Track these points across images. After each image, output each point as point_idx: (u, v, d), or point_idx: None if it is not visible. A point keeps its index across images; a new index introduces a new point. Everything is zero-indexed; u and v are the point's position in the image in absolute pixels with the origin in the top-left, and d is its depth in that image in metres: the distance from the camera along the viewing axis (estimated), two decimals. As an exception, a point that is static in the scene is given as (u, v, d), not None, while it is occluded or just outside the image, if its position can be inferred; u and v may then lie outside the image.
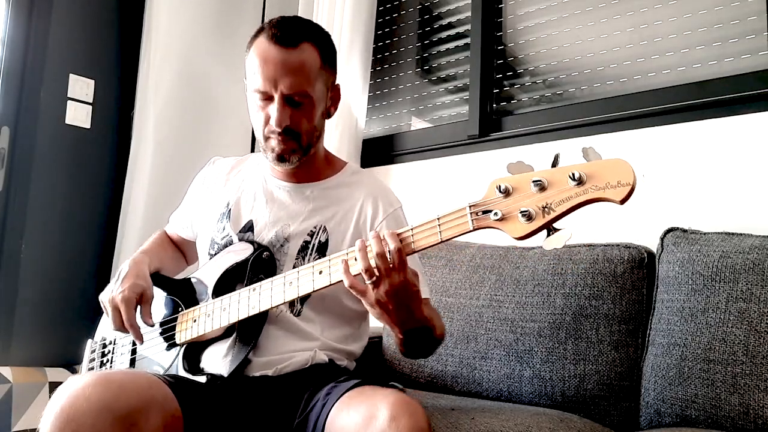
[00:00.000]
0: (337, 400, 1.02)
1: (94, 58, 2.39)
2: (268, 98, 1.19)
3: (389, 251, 0.98)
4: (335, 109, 1.30)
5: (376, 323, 1.36)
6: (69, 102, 2.31)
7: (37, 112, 2.24)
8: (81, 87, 2.34)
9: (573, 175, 0.85)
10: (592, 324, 1.43)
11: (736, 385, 1.21)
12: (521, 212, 0.88)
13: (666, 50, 1.81)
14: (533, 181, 0.88)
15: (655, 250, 1.46)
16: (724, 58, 1.71)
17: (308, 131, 1.22)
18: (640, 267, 1.44)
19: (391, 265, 0.98)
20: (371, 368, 1.65)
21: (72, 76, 2.32)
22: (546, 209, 0.87)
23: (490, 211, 0.92)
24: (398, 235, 0.99)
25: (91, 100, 2.36)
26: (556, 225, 0.88)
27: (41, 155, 2.24)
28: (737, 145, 1.58)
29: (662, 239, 1.45)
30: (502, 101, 2.16)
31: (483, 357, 1.54)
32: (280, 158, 1.23)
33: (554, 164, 0.89)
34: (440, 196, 2.13)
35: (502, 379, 1.50)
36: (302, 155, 1.24)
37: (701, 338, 1.28)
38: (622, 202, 0.83)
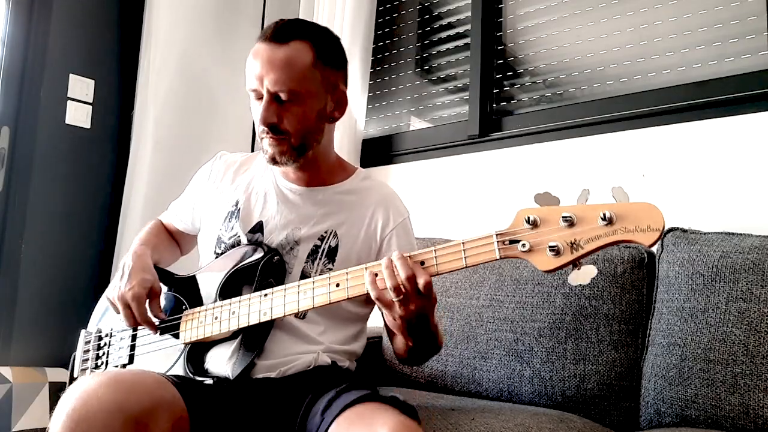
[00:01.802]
0: (335, 418, 1.01)
1: (94, 58, 2.39)
2: (259, 97, 1.19)
3: (418, 283, 0.98)
4: (340, 114, 1.26)
5: (376, 323, 1.36)
6: (69, 102, 2.30)
7: (37, 112, 2.23)
8: (81, 87, 2.34)
9: (604, 215, 0.86)
10: (592, 324, 1.43)
11: (736, 385, 1.21)
12: (550, 247, 0.89)
13: (666, 50, 1.81)
14: (563, 217, 0.89)
15: (655, 250, 1.46)
16: (724, 58, 1.71)
17: (298, 131, 1.19)
18: (640, 267, 1.44)
19: (417, 290, 0.98)
20: (371, 369, 1.65)
21: (72, 76, 2.31)
22: (574, 246, 0.88)
23: (518, 242, 0.93)
24: (422, 262, 0.99)
25: (91, 100, 2.36)
26: (581, 260, 0.90)
27: (41, 155, 2.24)
28: (737, 145, 1.58)
29: (662, 239, 1.45)
30: (502, 101, 2.16)
31: (483, 357, 1.54)
32: (273, 159, 1.22)
33: (582, 200, 0.90)
34: (440, 196, 2.13)
35: (502, 379, 1.50)
36: (296, 157, 1.22)
37: (701, 338, 1.28)
38: (651, 246, 0.85)
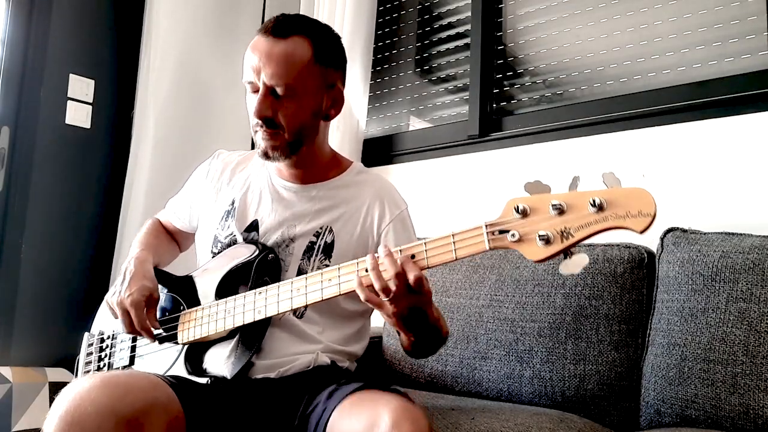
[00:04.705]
0: (338, 404, 1.01)
1: (94, 58, 2.39)
2: (255, 90, 1.18)
3: (408, 279, 0.95)
4: (336, 112, 1.26)
5: (376, 323, 1.36)
6: (69, 102, 2.31)
7: (37, 112, 2.24)
8: (81, 87, 2.34)
9: (594, 201, 0.83)
10: (592, 324, 1.43)
11: (736, 385, 1.21)
12: (539, 236, 0.87)
13: (666, 50, 1.81)
14: (552, 205, 0.86)
15: (655, 250, 1.46)
16: (724, 58, 1.71)
17: (292, 126, 1.19)
18: (640, 267, 1.44)
19: (408, 287, 0.96)
20: (371, 368, 1.65)
21: (72, 76, 2.31)
22: (564, 234, 0.86)
23: (507, 232, 0.90)
24: (412, 256, 0.97)
25: (91, 100, 2.36)
26: (573, 249, 0.87)
27: (41, 155, 2.24)
28: (737, 145, 1.58)
29: (662, 239, 1.45)
30: (502, 101, 2.16)
31: (483, 357, 1.54)
32: (265, 154, 1.21)
33: (572, 187, 0.88)
34: (440, 196, 2.13)
35: (502, 379, 1.50)
36: (288, 153, 1.21)
37: (701, 338, 1.28)
38: (642, 232, 0.81)
